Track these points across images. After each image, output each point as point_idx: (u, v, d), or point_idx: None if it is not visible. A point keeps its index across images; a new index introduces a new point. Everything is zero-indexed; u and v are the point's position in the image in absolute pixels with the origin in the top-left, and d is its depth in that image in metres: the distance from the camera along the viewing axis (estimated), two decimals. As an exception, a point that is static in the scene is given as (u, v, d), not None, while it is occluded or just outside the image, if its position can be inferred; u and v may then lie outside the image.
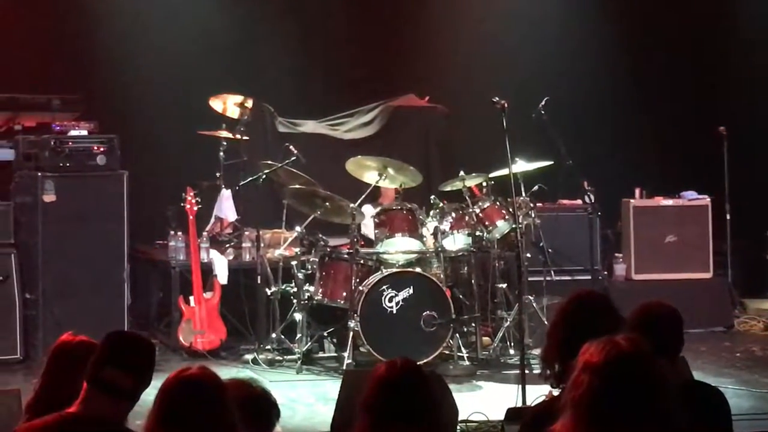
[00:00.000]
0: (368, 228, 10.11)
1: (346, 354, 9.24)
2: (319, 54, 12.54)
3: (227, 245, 10.59)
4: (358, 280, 9.48)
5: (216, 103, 10.99)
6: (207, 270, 10.15)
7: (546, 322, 8.66)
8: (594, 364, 3.27)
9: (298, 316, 9.71)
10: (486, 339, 9.88)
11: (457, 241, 9.78)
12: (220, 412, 3.78)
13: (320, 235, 9.98)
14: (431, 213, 9.93)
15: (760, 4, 13.13)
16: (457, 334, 9.45)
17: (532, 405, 5.31)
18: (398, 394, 4.00)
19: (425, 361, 8.98)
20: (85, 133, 10.14)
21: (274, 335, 9.84)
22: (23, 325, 9.66)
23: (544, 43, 12.70)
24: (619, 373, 3.24)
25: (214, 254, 10.32)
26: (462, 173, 10.02)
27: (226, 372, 8.86)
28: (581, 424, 3.23)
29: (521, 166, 9.83)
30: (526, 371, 7.69)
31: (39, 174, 9.83)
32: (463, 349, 9.51)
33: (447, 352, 9.41)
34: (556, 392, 4.51)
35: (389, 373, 4.08)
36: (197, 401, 3.74)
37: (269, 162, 10.50)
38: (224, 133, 10.91)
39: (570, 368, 3.79)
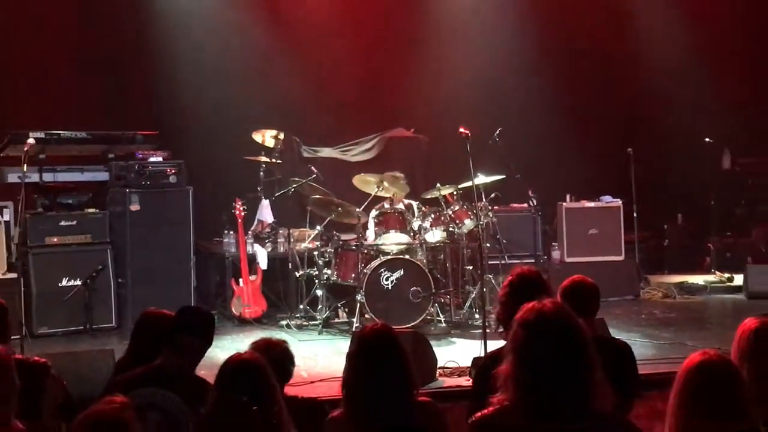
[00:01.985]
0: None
1: (355, 320, 9.28)
2: (333, 97, 12.53)
3: (266, 240, 10.62)
4: (363, 264, 9.52)
5: (257, 136, 11.02)
6: (251, 259, 10.20)
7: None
8: (525, 320, 3.31)
9: (319, 292, 9.75)
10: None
11: (435, 235, 9.80)
12: (264, 382, 3.85)
13: (335, 232, 10.05)
14: (416, 214, 9.98)
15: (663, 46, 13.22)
16: (437, 304, 9.51)
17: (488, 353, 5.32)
18: (371, 348, 4.08)
19: (413, 324, 9.05)
20: (160, 159, 10.17)
21: (301, 306, 9.86)
22: (117, 302, 9.69)
23: (499, 85, 12.70)
24: (544, 328, 3.27)
25: (257, 247, 10.37)
26: (438, 185, 10.06)
27: (267, 333, 8.91)
28: (517, 366, 3.27)
29: (481, 179, 9.83)
30: (487, 330, 7.70)
31: (127, 190, 9.87)
32: (440, 314, 9.56)
33: (429, 317, 9.44)
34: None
35: (366, 332, 4.18)
36: (248, 377, 3.82)
37: (297, 179, 10.55)
38: (263, 158, 10.93)
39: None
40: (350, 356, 4.12)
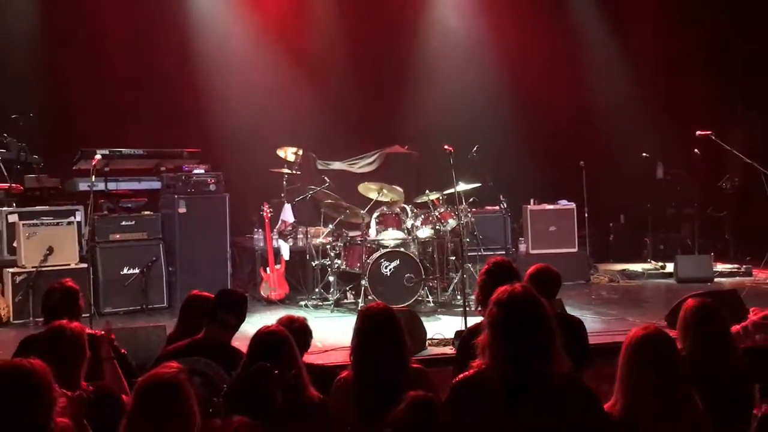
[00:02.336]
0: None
1: (360, 300, 9.27)
2: (342, 120, 12.54)
3: (288, 236, 10.59)
4: (366, 256, 9.48)
5: (281, 152, 10.98)
6: (277, 252, 10.16)
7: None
8: (500, 300, 3.31)
9: (331, 278, 9.73)
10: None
11: (425, 232, 9.78)
12: (287, 349, 3.85)
13: (343, 230, 10.01)
14: (409, 215, 9.96)
15: (607, 79, 13.21)
16: (426, 287, 9.49)
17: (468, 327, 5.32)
18: (373, 323, 4.07)
19: (407, 303, 9.03)
20: (202, 171, 10.13)
21: (317, 290, 9.86)
22: (167, 287, 9.65)
23: (476, 111, 12.73)
24: (514, 306, 3.27)
25: (281, 242, 10.33)
26: (427, 191, 10.07)
27: (289, 312, 8.89)
28: (492, 337, 3.28)
29: (462, 186, 9.84)
30: (467, 309, 7.72)
31: (175, 196, 9.84)
32: (429, 296, 9.54)
33: (420, 298, 9.41)
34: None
35: (369, 310, 4.17)
36: (274, 345, 3.83)
37: (313, 187, 10.55)
38: (286, 170, 10.91)
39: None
40: (357, 330, 4.11)
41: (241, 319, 4.74)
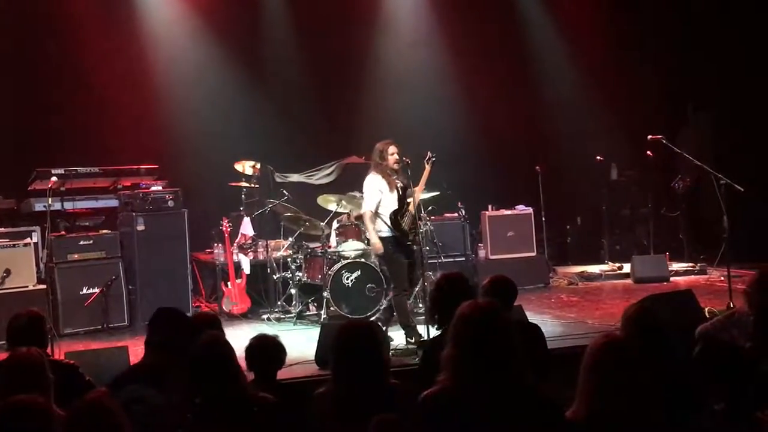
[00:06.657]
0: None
1: (323, 312, 9.26)
2: (299, 133, 12.53)
3: (249, 250, 10.53)
4: (327, 267, 9.47)
5: (238, 166, 10.94)
6: (237, 266, 10.13)
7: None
8: (464, 316, 3.35)
9: (293, 291, 9.72)
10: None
11: (385, 242, 9.80)
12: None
13: (304, 242, 10.01)
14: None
15: (559, 85, 13.36)
16: (388, 297, 9.49)
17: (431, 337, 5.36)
18: (354, 338, 4.03)
19: (369, 313, 9.02)
20: (160, 187, 10.09)
21: (279, 303, 9.84)
22: (128, 305, 9.57)
23: (432, 121, 12.81)
24: (477, 320, 3.31)
25: (241, 256, 10.29)
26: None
27: (252, 326, 8.90)
28: (456, 350, 3.31)
29: (421, 196, 9.86)
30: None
31: (134, 214, 9.77)
32: (391, 305, 9.56)
33: (382, 308, 9.39)
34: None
35: (350, 325, 4.15)
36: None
37: (271, 200, 10.52)
38: (244, 184, 10.87)
39: (443, 315, 3.90)
40: (336, 346, 3.97)
41: (180, 335, 4.46)
